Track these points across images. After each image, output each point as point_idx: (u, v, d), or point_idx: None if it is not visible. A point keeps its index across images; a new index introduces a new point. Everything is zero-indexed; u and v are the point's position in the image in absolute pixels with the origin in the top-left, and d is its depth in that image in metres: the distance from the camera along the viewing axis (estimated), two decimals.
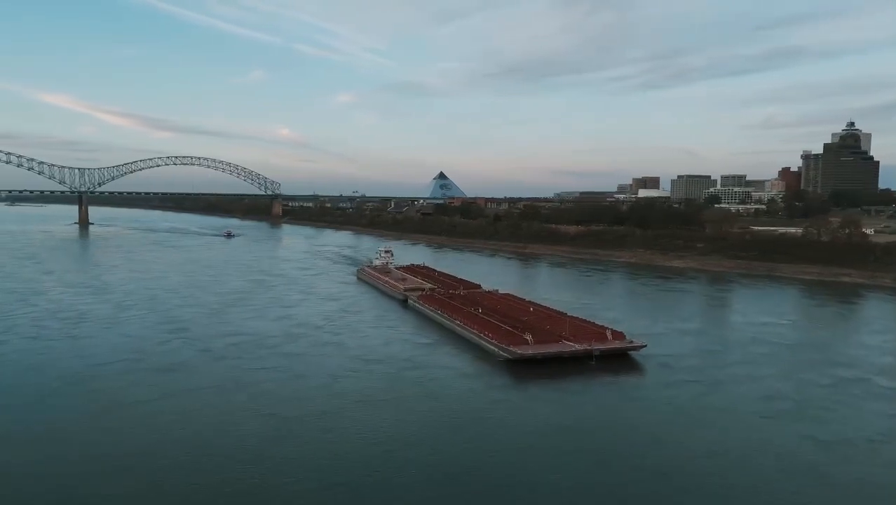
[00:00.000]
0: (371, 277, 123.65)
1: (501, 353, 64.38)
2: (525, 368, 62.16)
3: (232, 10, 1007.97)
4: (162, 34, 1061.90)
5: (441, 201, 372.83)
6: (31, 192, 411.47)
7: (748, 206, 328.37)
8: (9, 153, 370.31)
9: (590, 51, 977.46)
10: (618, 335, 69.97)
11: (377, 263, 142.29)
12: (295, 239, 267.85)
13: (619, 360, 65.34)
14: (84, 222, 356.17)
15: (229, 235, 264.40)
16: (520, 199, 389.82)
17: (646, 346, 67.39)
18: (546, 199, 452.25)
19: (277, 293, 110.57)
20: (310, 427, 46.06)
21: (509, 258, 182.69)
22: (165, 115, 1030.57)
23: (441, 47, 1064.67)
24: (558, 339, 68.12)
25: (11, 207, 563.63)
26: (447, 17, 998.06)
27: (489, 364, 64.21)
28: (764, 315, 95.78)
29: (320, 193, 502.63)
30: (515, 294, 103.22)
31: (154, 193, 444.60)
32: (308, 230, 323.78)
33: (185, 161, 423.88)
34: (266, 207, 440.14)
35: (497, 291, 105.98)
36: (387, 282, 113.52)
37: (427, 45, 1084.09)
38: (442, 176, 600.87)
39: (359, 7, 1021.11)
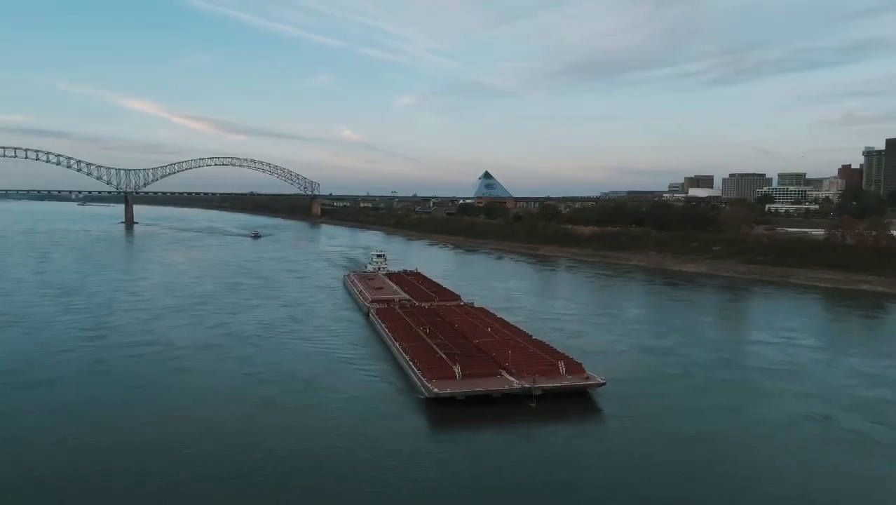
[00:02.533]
0: (351, 284, 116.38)
1: (422, 388, 53.75)
2: (445, 409, 50.42)
3: (300, 16, 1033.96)
4: (235, 41, 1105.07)
5: (471, 201, 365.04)
6: (80, 192, 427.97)
7: (800, 207, 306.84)
8: (58, 155, 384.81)
9: (658, 46, 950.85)
10: (574, 368, 57.59)
11: (370, 267, 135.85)
12: (318, 239, 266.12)
13: (570, 399, 53.18)
14: (129, 222, 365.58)
15: (256, 236, 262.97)
16: (572, 199, 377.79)
17: (605, 383, 54.65)
18: (592, 199, 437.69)
19: (241, 297, 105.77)
20: (108, 466, 39.55)
21: (518, 260, 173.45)
22: (238, 118, 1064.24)
23: (505, 47, 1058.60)
24: (497, 371, 56.94)
25: (83, 207, 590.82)
26: (511, 17, 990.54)
27: (407, 399, 53.31)
28: (757, 331, 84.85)
29: (374, 194, 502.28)
30: (490, 307, 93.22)
31: (197, 193, 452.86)
32: (339, 230, 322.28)
33: (226, 162, 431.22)
34: (307, 207, 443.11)
35: (472, 303, 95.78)
36: (360, 291, 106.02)
37: (491, 44, 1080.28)
38: (487, 175, 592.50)
39: (422, 9, 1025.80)
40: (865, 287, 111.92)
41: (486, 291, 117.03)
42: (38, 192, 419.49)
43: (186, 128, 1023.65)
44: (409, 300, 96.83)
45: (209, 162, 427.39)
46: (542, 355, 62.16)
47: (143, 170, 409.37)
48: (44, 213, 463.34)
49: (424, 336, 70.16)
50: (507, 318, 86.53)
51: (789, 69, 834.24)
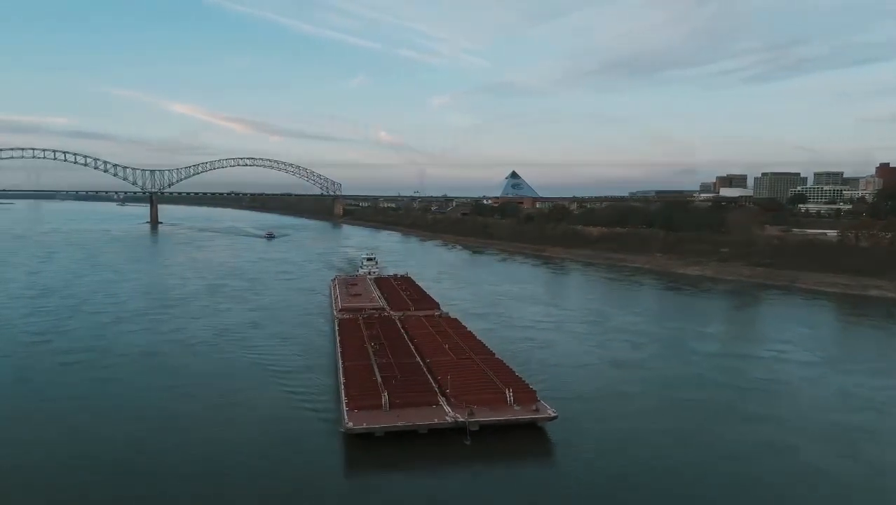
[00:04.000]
0: (333, 288, 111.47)
1: (342, 419, 47.04)
2: (362, 446, 43.68)
3: (338, 18, 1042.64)
4: (275, 44, 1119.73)
5: (489, 201, 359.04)
6: (120, 193, 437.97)
7: (831, 207, 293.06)
8: (86, 157, 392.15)
9: (696, 44, 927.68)
10: (525, 396, 50.58)
11: (361, 271, 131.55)
12: (331, 239, 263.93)
13: (514, 433, 46.01)
14: (154, 222, 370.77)
15: (270, 237, 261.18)
16: (600, 198, 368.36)
17: (555, 417, 47.46)
18: (621, 199, 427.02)
19: (216, 300, 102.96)
20: None
21: (522, 262, 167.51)
22: (276, 120, 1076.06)
23: (540, 46, 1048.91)
24: (436, 400, 50.28)
25: (122, 208, 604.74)
26: (547, 16, 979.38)
27: (324, 431, 46.52)
28: (747, 342, 78.87)
29: (405, 194, 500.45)
30: (470, 313, 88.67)
31: (220, 193, 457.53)
32: (358, 230, 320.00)
33: (248, 163, 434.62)
34: (330, 208, 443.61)
35: (447, 314, 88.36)
36: (336, 297, 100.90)
37: (526, 44, 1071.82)
38: (514, 175, 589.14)
39: (458, 9, 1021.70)
40: (875, 292, 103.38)
41: (473, 295, 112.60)
42: (84, 192, 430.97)
43: (227, 130, 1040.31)
44: (380, 309, 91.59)
45: (232, 162, 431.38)
46: (492, 380, 54.88)
47: (169, 170, 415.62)
48: (78, 214, 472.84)
49: (371, 354, 64.09)
50: (482, 325, 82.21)
51: (834, 65, 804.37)
